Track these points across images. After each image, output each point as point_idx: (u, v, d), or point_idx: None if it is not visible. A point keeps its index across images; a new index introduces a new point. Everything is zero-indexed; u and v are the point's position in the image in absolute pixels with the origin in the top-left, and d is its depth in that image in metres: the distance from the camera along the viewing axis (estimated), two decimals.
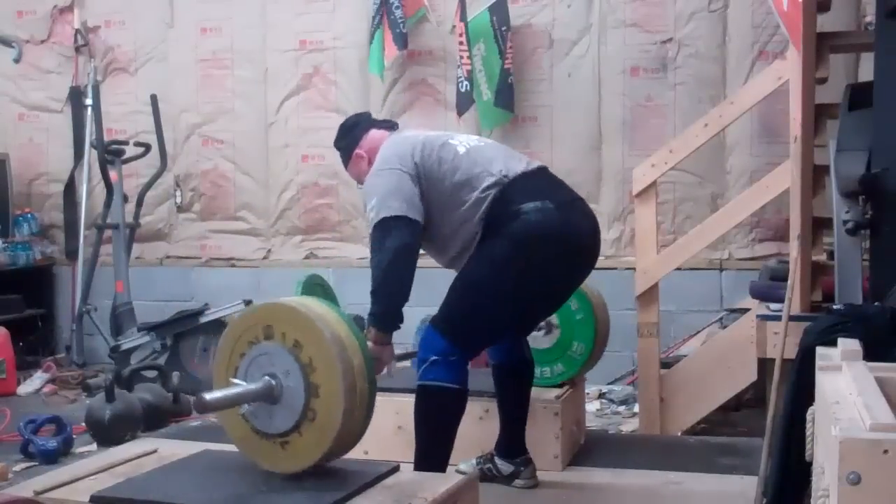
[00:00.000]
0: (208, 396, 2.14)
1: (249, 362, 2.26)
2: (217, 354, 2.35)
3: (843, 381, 1.73)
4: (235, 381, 2.26)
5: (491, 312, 2.77)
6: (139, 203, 5.71)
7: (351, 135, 3.04)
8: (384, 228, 2.70)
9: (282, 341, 2.22)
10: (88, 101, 5.58)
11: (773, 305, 3.80)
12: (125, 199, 5.59)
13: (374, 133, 3.01)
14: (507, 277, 2.73)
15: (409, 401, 2.83)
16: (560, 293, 2.98)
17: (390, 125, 3.09)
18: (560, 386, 3.58)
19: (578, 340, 3.58)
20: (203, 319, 5.24)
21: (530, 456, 3.20)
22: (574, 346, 3.59)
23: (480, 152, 2.90)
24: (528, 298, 2.80)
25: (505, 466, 3.18)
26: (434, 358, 2.62)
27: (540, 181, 2.91)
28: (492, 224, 2.77)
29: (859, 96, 3.61)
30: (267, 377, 2.22)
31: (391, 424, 3.33)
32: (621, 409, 4.66)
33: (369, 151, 2.96)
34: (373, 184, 2.79)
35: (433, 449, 2.75)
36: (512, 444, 3.19)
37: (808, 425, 1.92)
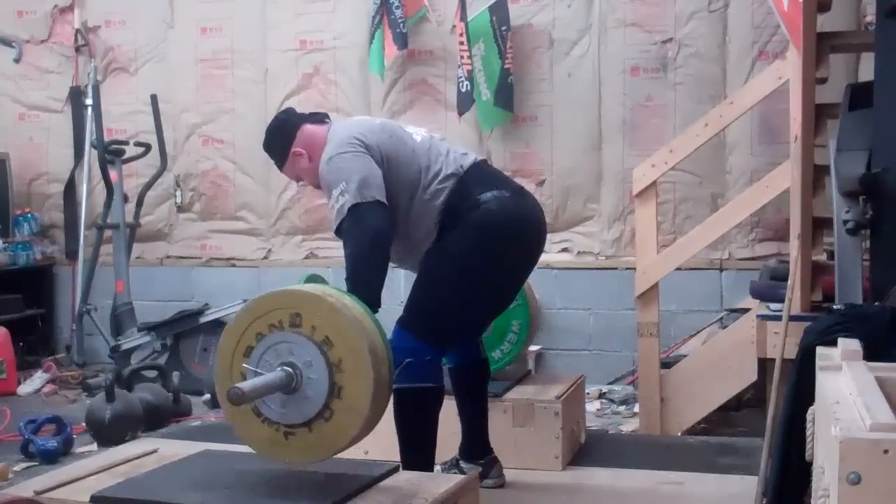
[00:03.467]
0: (245, 388, 2.09)
1: (266, 348, 2.23)
2: (229, 332, 2.29)
3: (843, 381, 1.73)
4: (249, 366, 2.22)
5: (460, 306, 2.74)
6: (139, 203, 5.71)
7: (282, 134, 2.87)
8: (357, 215, 2.57)
9: (310, 333, 2.19)
10: (88, 101, 5.57)
11: (773, 305, 3.79)
12: (125, 199, 5.59)
13: (308, 128, 2.86)
14: (473, 269, 2.71)
15: None
16: (521, 280, 2.96)
17: (321, 118, 2.93)
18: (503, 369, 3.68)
19: (515, 319, 3.65)
20: (203, 319, 5.25)
21: (495, 455, 3.16)
22: (512, 325, 3.66)
23: (433, 142, 2.88)
24: (494, 287, 2.79)
25: (471, 470, 3.08)
26: (408, 360, 2.57)
27: (489, 171, 2.92)
28: (451, 215, 2.74)
29: (859, 96, 3.60)
30: (286, 367, 2.19)
31: (391, 424, 3.30)
32: (621, 409, 4.65)
33: (307, 147, 2.81)
34: (337, 168, 2.64)
35: (420, 450, 2.72)
36: (476, 445, 3.14)
37: (808, 425, 1.92)
